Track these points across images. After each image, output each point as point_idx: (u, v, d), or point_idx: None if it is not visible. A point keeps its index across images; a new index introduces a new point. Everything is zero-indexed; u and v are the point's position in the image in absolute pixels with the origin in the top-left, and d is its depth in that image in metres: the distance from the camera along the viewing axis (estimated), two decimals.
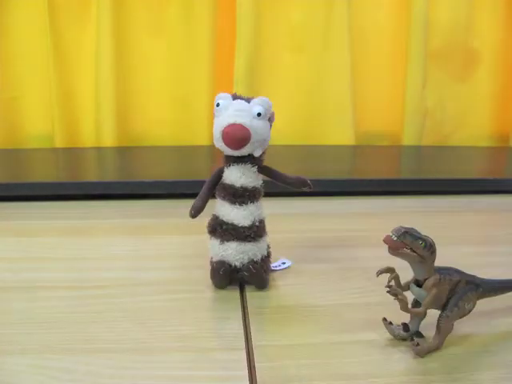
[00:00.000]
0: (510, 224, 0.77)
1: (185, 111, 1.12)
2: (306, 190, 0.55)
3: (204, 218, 0.53)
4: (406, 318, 0.45)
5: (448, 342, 0.44)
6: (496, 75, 1.19)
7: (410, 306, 0.43)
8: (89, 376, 0.40)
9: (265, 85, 1.11)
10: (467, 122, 1.20)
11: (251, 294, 0.53)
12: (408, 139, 1.17)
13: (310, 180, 0.55)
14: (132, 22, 1.08)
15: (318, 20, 1.11)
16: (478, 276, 0.46)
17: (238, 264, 0.52)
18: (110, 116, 1.08)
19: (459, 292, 0.44)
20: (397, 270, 0.44)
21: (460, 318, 0.44)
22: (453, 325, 0.44)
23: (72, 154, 1.06)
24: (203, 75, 1.10)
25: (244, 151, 0.50)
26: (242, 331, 0.46)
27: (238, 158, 0.51)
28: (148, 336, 0.45)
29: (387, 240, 0.41)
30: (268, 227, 0.54)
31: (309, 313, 0.50)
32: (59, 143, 1.08)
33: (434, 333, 0.43)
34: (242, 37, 1.07)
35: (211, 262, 0.54)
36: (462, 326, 0.46)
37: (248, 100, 0.50)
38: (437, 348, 0.43)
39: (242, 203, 0.51)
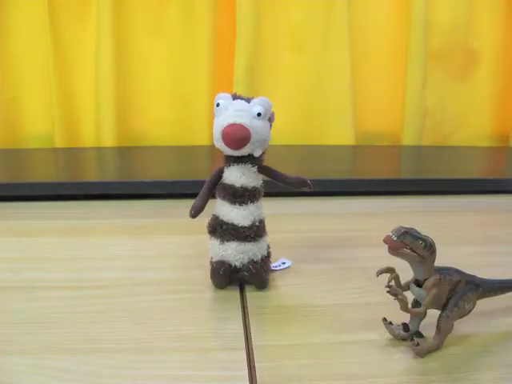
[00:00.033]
0: (510, 224, 0.77)
1: (185, 111, 1.12)
2: (306, 189, 0.55)
3: (204, 218, 0.53)
4: (406, 318, 0.45)
5: (448, 342, 0.44)
6: (496, 75, 1.19)
7: (409, 306, 0.43)
8: (89, 376, 0.40)
9: (265, 85, 1.11)
10: (467, 122, 1.20)
11: (251, 294, 0.53)
12: (408, 139, 1.16)
13: (310, 180, 0.55)
14: (132, 21, 1.08)
15: (318, 20, 1.11)
16: (478, 276, 0.46)
17: (238, 264, 0.52)
18: (109, 116, 1.08)
19: (459, 292, 0.44)
20: (397, 270, 0.44)
21: (460, 317, 0.44)
22: (453, 325, 0.44)
23: (72, 154, 1.06)
24: (203, 75, 1.10)
25: (244, 151, 0.50)
26: (241, 331, 0.46)
27: (238, 158, 0.51)
28: (148, 336, 0.45)
29: (387, 240, 0.41)
30: (268, 227, 0.54)
31: (309, 313, 0.50)
32: (59, 143, 1.08)
33: (434, 333, 0.43)
34: (242, 37, 1.07)
35: (211, 262, 0.54)
36: (461, 326, 0.46)
37: (248, 100, 0.50)
38: (437, 348, 0.43)
39: (242, 203, 0.51)
